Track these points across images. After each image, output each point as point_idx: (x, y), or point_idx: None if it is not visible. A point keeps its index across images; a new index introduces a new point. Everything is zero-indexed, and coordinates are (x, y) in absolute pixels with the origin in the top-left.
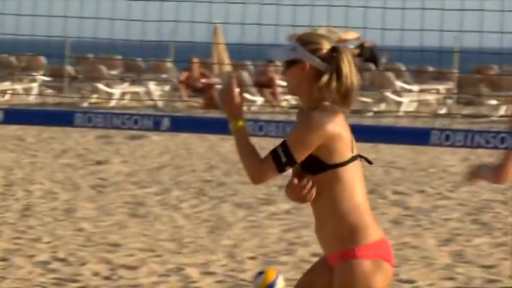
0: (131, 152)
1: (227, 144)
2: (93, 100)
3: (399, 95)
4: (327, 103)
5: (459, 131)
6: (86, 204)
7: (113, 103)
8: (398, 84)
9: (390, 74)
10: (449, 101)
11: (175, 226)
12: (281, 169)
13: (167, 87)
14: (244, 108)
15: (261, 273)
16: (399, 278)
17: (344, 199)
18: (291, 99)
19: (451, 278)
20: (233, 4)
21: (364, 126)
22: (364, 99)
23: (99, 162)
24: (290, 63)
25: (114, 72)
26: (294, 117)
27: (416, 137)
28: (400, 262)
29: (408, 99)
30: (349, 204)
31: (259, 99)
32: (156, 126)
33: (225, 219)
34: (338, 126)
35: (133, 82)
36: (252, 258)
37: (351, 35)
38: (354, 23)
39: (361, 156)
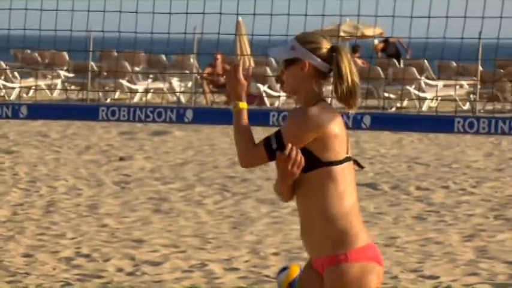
0: (154, 148)
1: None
2: (116, 96)
3: (422, 91)
4: (324, 101)
5: (483, 117)
6: (109, 200)
7: (136, 99)
8: (422, 79)
9: (413, 70)
10: (473, 96)
11: (198, 222)
12: (271, 156)
13: (190, 83)
14: (268, 103)
15: (284, 269)
16: (423, 274)
17: (336, 200)
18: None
19: (475, 274)
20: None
21: (388, 114)
22: (387, 94)
23: (122, 159)
24: (289, 62)
25: (137, 68)
26: None
27: (440, 124)
28: (424, 258)
29: (431, 95)
30: (340, 207)
31: (283, 95)
32: (180, 119)
33: (248, 215)
34: (334, 124)
35: (156, 78)
36: (275, 254)
37: (374, 30)
38: (382, 19)
39: (354, 161)
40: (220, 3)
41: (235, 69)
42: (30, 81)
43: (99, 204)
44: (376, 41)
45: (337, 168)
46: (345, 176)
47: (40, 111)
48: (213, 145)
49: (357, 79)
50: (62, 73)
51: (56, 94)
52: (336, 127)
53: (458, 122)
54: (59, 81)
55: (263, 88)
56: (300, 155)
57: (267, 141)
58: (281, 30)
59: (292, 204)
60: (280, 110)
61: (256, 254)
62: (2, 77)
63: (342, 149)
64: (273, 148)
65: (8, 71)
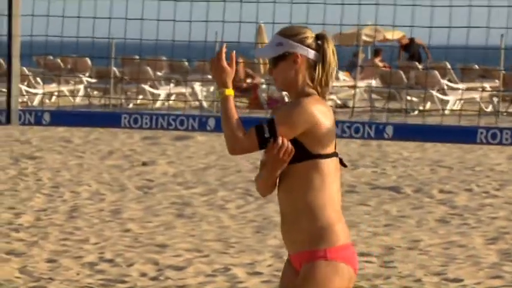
0: (177, 153)
1: None
2: (138, 101)
3: (445, 94)
4: (316, 95)
5: (506, 129)
6: (132, 205)
7: (158, 104)
8: (444, 82)
9: (436, 73)
10: (495, 99)
11: (221, 226)
12: (262, 144)
13: (212, 88)
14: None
15: None
16: (446, 277)
17: (320, 194)
18: (337, 99)
19: (499, 277)
20: (280, 4)
21: (410, 125)
22: (409, 97)
23: (145, 164)
24: (279, 59)
25: (159, 73)
26: (340, 117)
27: (462, 135)
28: (447, 261)
29: (454, 98)
30: (325, 201)
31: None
32: (202, 127)
33: (271, 219)
34: (327, 117)
35: (178, 83)
36: None
37: (396, 34)
38: (401, 21)
39: (339, 159)
40: (240, 10)
41: (218, 56)
42: (52, 87)
43: (122, 209)
44: (401, 34)
45: (324, 162)
46: (331, 171)
47: (63, 117)
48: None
49: (335, 65)
50: (85, 79)
51: (78, 100)
52: (328, 120)
53: (481, 132)
54: (81, 87)
55: (285, 92)
56: (288, 143)
57: (259, 129)
58: None
59: None
60: None
61: (279, 258)
62: (25, 83)
63: (331, 143)
64: (265, 137)
65: (31, 77)
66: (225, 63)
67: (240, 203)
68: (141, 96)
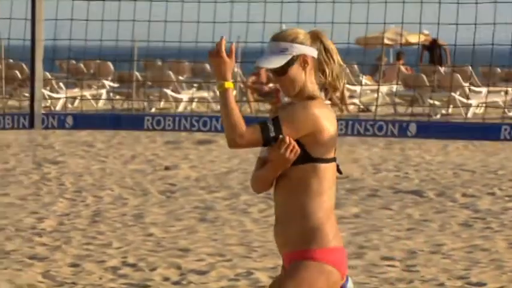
0: (199, 157)
1: None
2: (161, 105)
3: (467, 97)
4: (320, 97)
5: None
6: (155, 209)
7: (180, 108)
8: (467, 86)
9: (458, 76)
10: None
11: (244, 230)
12: (266, 141)
13: (234, 92)
14: None
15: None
16: (469, 281)
17: (316, 198)
18: (359, 103)
19: None
20: (304, 3)
21: (433, 123)
22: (431, 101)
23: (167, 168)
24: (288, 65)
25: (181, 77)
26: (361, 119)
27: (486, 132)
28: (470, 265)
29: (476, 101)
30: (320, 204)
31: (327, 102)
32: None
33: None
34: (331, 122)
35: (200, 87)
36: None
37: (419, 37)
38: (426, 25)
39: (336, 165)
40: (264, 12)
41: (218, 48)
42: (75, 92)
43: (144, 213)
44: (424, 37)
45: (323, 166)
46: (329, 176)
47: (85, 121)
48: (257, 153)
49: (341, 60)
50: (107, 83)
51: (101, 104)
52: (332, 126)
53: (505, 129)
54: (104, 91)
55: None
56: (292, 141)
57: (264, 126)
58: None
59: (338, 212)
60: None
61: None
62: (48, 88)
63: (332, 148)
64: (270, 135)
65: (54, 82)
66: (225, 55)
67: (262, 207)
68: (163, 100)
